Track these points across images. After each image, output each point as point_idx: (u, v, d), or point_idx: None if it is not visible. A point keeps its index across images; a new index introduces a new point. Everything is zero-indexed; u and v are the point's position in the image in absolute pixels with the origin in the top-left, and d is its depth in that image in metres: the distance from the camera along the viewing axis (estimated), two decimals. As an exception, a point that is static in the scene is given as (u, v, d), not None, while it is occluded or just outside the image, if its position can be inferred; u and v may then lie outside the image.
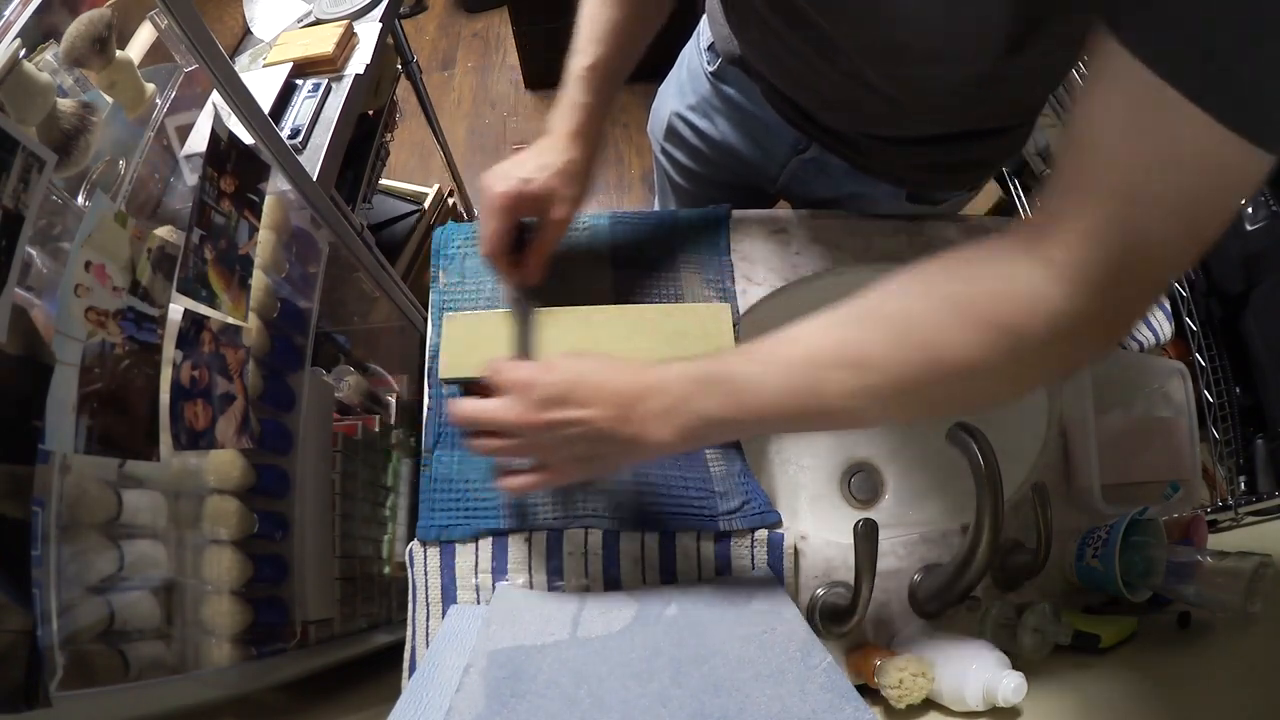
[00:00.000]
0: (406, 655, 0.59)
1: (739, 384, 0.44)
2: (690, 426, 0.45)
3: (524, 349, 0.59)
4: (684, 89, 0.82)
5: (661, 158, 0.91)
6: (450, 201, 1.74)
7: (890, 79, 0.57)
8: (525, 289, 0.62)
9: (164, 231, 0.66)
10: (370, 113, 1.35)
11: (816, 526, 0.66)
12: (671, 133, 0.86)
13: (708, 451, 0.64)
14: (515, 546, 0.59)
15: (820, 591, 0.61)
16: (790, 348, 0.44)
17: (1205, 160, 0.33)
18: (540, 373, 0.47)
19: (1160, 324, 0.77)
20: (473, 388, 0.64)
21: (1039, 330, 0.39)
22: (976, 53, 0.48)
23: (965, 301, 0.41)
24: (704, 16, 0.77)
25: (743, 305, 0.70)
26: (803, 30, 0.57)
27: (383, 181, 1.57)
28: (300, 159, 0.91)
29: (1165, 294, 0.75)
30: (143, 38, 0.73)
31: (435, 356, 0.66)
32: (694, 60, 0.79)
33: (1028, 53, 0.48)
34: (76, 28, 0.64)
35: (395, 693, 0.50)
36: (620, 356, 0.48)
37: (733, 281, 0.71)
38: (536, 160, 0.59)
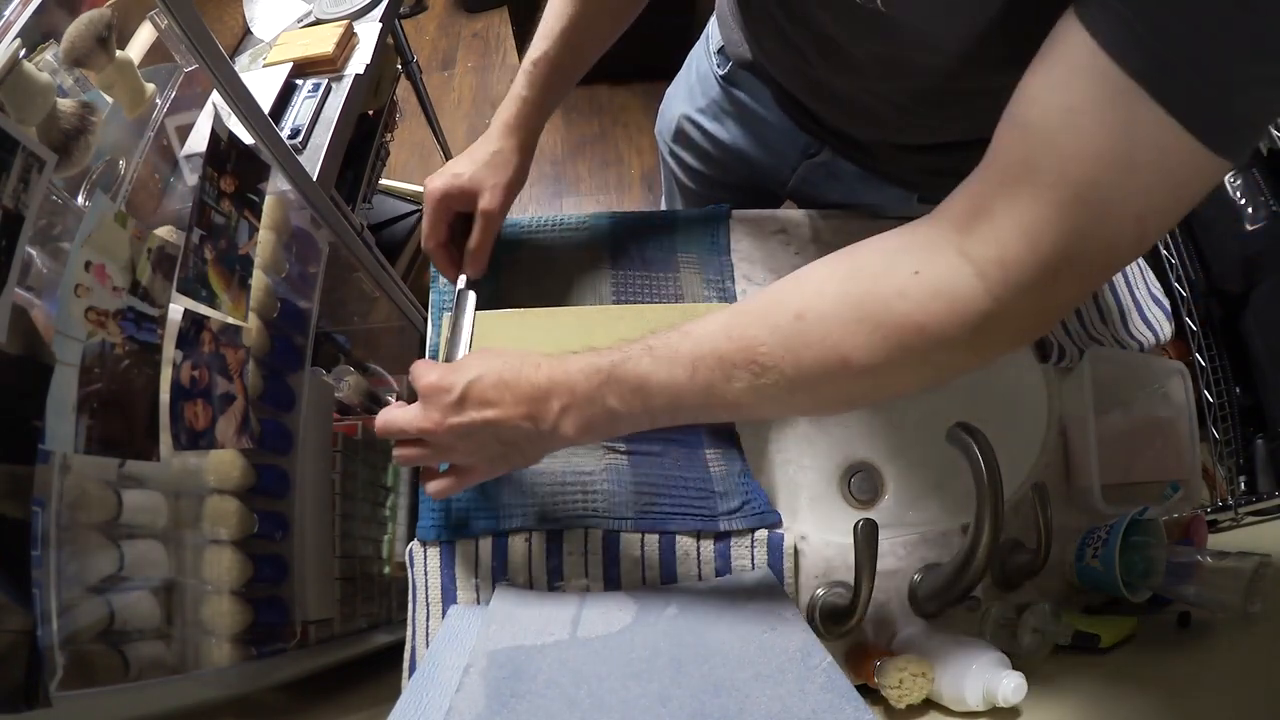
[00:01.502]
0: (406, 655, 0.59)
1: (642, 380, 0.44)
2: (596, 421, 0.46)
3: (455, 344, 0.61)
4: (693, 92, 0.82)
5: (669, 160, 0.91)
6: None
7: (902, 90, 0.57)
8: (469, 282, 0.64)
9: (164, 231, 0.66)
10: (370, 113, 1.35)
11: (816, 526, 0.66)
12: (680, 135, 0.86)
13: (707, 451, 0.64)
14: (515, 546, 0.59)
15: (820, 591, 0.61)
16: (693, 345, 0.43)
17: (1166, 166, 0.31)
18: (446, 375, 0.47)
19: (1160, 324, 0.76)
20: None
21: (952, 331, 0.37)
22: (984, 63, 0.48)
23: (871, 301, 0.39)
24: (712, 19, 0.77)
25: (743, 305, 0.70)
26: (819, 44, 0.57)
27: (383, 181, 1.57)
28: (300, 159, 0.91)
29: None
30: (143, 38, 0.73)
31: (435, 356, 0.66)
32: (703, 63, 0.79)
33: None
34: (76, 28, 0.64)
35: (395, 693, 0.50)
36: (527, 351, 0.48)
37: (732, 281, 0.71)
38: (469, 155, 0.62)
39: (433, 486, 0.51)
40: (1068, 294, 0.37)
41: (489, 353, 0.49)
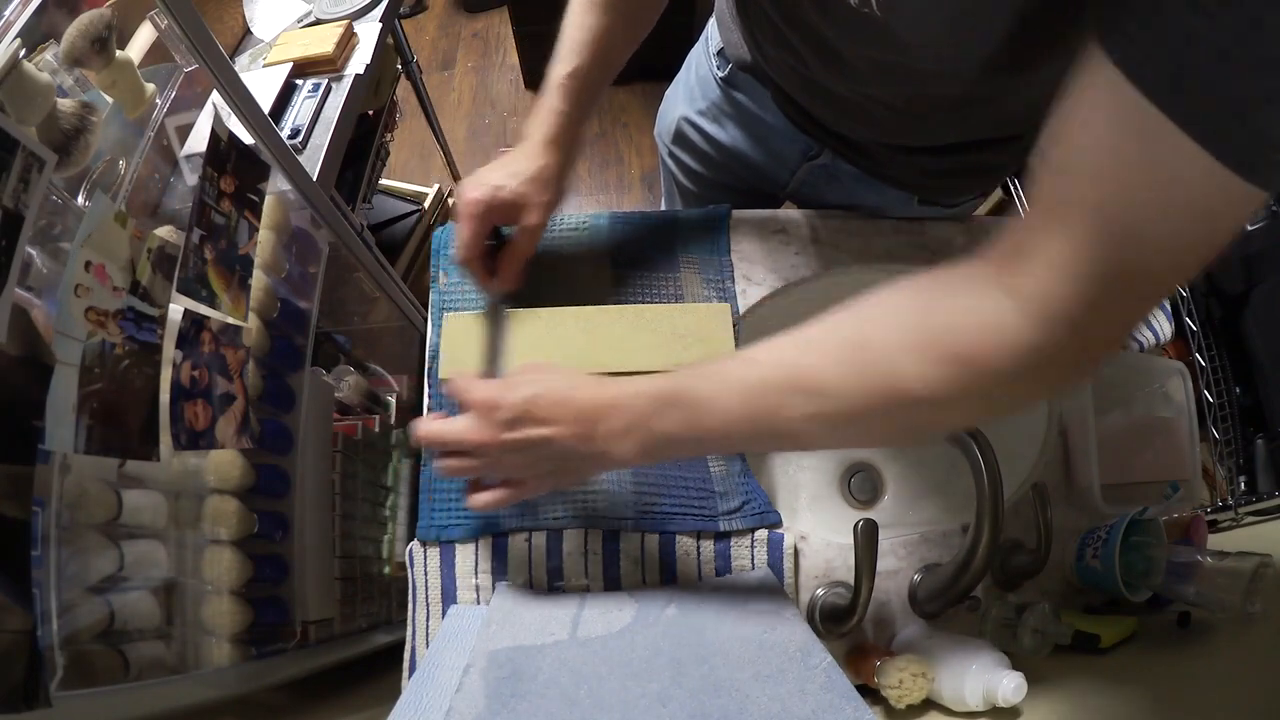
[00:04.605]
0: (406, 655, 0.59)
1: (697, 405, 0.44)
2: (650, 444, 0.46)
3: (495, 356, 0.60)
4: (693, 94, 0.82)
5: (669, 161, 0.91)
6: (450, 201, 1.74)
7: (898, 94, 0.57)
8: (501, 295, 0.63)
9: (164, 231, 0.66)
10: (370, 113, 1.35)
11: (816, 526, 0.66)
12: (680, 137, 0.85)
13: (708, 451, 0.64)
14: (515, 546, 0.59)
15: (820, 591, 0.61)
16: (748, 369, 0.44)
17: (1197, 196, 0.31)
18: (503, 391, 0.47)
19: (1160, 324, 0.77)
20: None
21: (1002, 364, 0.37)
22: (981, 71, 0.48)
23: (925, 332, 0.40)
24: (711, 21, 0.77)
25: (743, 305, 0.70)
26: (815, 47, 0.57)
27: (383, 181, 1.57)
28: (300, 159, 0.91)
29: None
30: (143, 38, 0.73)
31: (435, 356, 0.66)
32: (703, 65, 0.79)
33: (1041, 70, 0.48)
34: (76, 28, 0.64)
35: (395, 693, 0.50)
36: (582, 370, 0.48)
37: (733, 281, 0.71)
38: (509, 167, 0.60)
39: (481, 499, 0.50)
40: (1111, 328, 0.37)
41: (543, 369, 0.49)
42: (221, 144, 0.72)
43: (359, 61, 1.12)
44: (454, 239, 0.60)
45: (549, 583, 0.59)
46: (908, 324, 0.41)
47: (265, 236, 0.80)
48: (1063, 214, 0.35)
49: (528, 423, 0.46)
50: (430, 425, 0.49)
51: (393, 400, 1.27)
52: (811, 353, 0.43)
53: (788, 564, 0.60)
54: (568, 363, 0.60)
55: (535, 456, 0.47)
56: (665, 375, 0.46)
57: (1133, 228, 0.32)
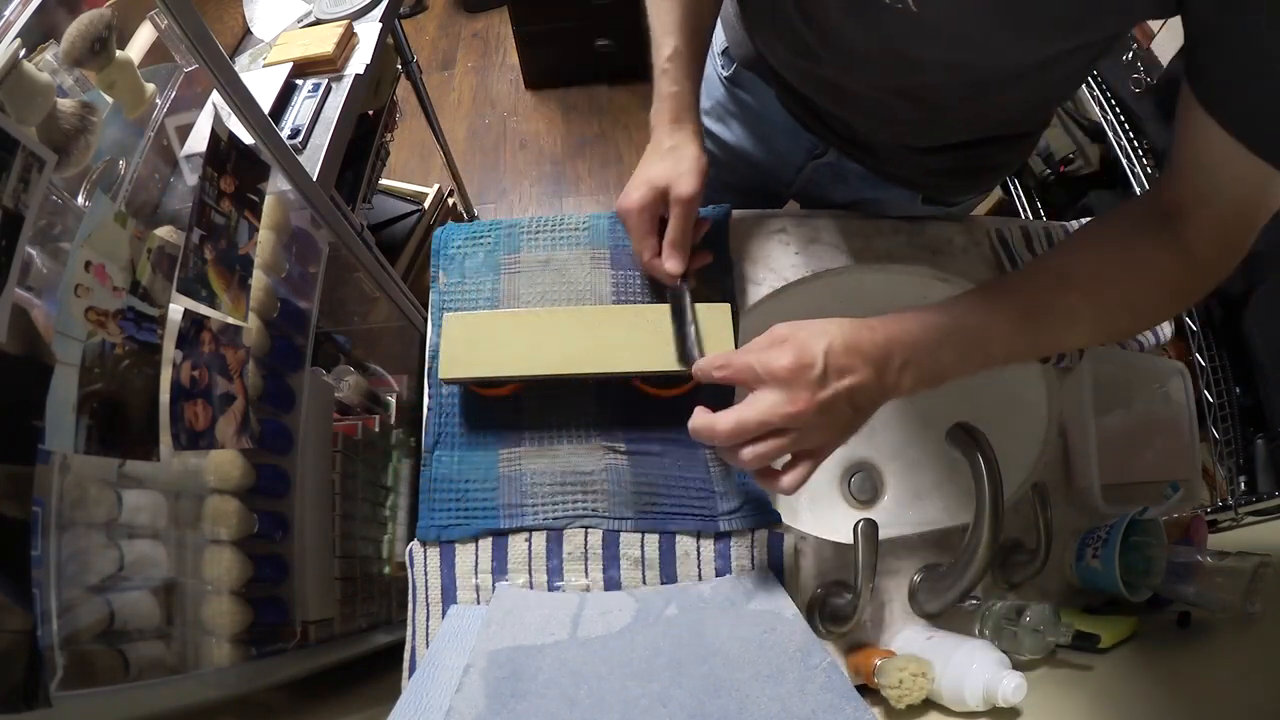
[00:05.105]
0: (406, 655, 0.59)
1: (973, 335, 0.49)
2: (932, 375, 0.48)
3: (696, 340, 0.59)
4: None
5: None
6: (450, 201, 1.74)
7: (915, 88, 0.57)
8: (679, 278, 0.62)
9: (164, 231, 0.66)
10: (370, 113, 1.35)
11: (816, 526, 0.66)
12: None
13: (707, 451, 0.64)
14: (515, 546, 0.59)
15: (820, 591, 0.61)
16: (1011, 299, 0.50)
17: (1264, 191, 0.44)
18: (803, 352, 0.46)
19: (1160, 324, 0.77)
20: (474, 387, 0.64)
21: (1185, 282, 0.49)
22: (1004, 67, 0.49)
23: (1147, 266, 0.49)
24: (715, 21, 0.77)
25: (743, 305, 0.70)
26: (832, 43, 0.57)
27: (383, 181, 1.57)
28: (300, 159, 0.91)
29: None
30: (143, 38, 0.73)
31: (435, 356, 0.66)
32: (707, 64, 0.79)
33: (1054, 70, 0.49)
34: (76, 28, 0.64)
35: (395, 693, 0.50)
36: (832, 316, 0.50)
37: (733, 281, 0.71)
38: (647, 164, 0.62)
39: (790, 480, 0.48)
40: (1233, 263, 0.49)
41: (810, 323, 0.49)
42: (221, 144, 0.72)
43: (359, 61, 1.12)
44: (634, 247, 0.63)
45: (549, 583, 0.59)
46: (1132, 259, 0.50)
47: (265, 236, 0.80)
48: (1209, 200, 0.46)
49: (832, 376, 0.46)
50: (731, 418, 0.46)
51: (393, 400, 1.27)
52: (1064, 285, 0.50)
53: (788, 564, 0.60)
54: (568, 363, 0.60)
55: (838, 410, 0.46)
56: (933, 307, 0.50)
57: (1250, 217, 0.46)
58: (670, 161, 0.60)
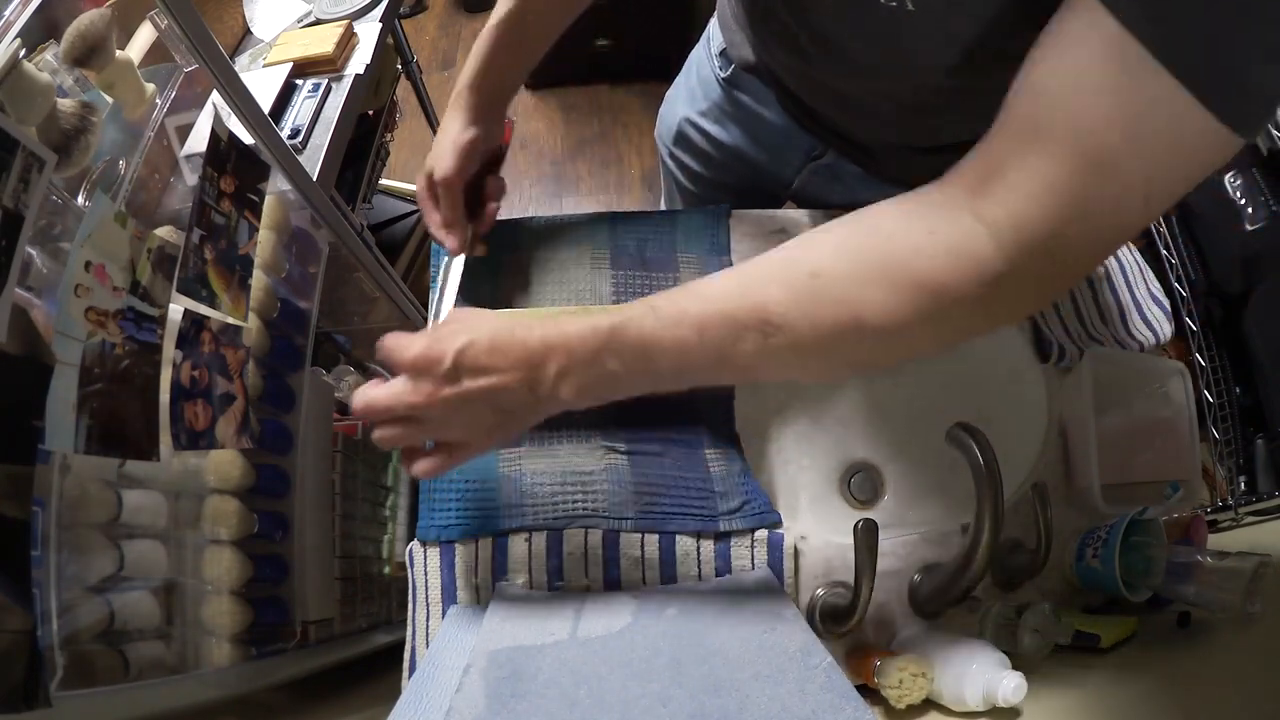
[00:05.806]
0: (406, 655, 0.59)
1: (646, 342, 0.42)
2: (596, 384, 0.43)
3: (439, 311, 0.60)
4: (694, 95, 0.82)
5: (670, 163, 0.91)
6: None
7: (907, 89, 0.57)
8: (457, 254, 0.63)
9: (164, 231, 0.66)
10: (370, 113, 1.35)
11: (816, 526, 0.65)
12: (681, 138, 0.85)
13: (707, 451, 0.64)
14: (515, 546, 0.59)
15: (820, 591, 0.61)
16: (701, 305, 0.42)
17: (1175, 135, 0.32)
18: (434, 344, 0.43)
19: (1160, 324, 0.76)
20: None
21: (969, 290, 0.37)
22: (1002, 61, 0.48)
23: (887, 259, 0.39)
24: (712, 21, 0.77)
25: (743, 305, 0.70)
26: (823, 45, 0.57)
27: (383, 181, 1.57)
28: (300, 159, 0.91)
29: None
30: (143, 38, 0.73)
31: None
32: (704, 66, 0.79)
33: None
34: (76, 28, 0.64)
35: (395, 693, 0.50)
36: (512, 312, 0.47)
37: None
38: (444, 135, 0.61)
39: (421, 467, 0.46)
40: (1076, 259, 0.37)
41: (473, 314, 0.46)
42: (221, 144, 0.72)
43: (359, 61, 1.12)
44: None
45: (549, 583, 0.59)
46: (868, 250, 0.40)
47: (265, 236, 0.80)
48: (1040, 140, 0.34)
49: (464, 374, 0.42)
50: (363, 393, 0.44)
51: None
52: (769, 284, 0.41)
53: (788, 564, 0.60)
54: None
55: (475, 410, 0.43)
56: (609, 311, 0.43)
57: (1108, 157, 0.33)
58: (437, 140, 0.60)
